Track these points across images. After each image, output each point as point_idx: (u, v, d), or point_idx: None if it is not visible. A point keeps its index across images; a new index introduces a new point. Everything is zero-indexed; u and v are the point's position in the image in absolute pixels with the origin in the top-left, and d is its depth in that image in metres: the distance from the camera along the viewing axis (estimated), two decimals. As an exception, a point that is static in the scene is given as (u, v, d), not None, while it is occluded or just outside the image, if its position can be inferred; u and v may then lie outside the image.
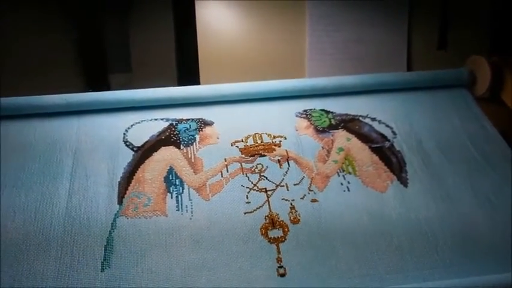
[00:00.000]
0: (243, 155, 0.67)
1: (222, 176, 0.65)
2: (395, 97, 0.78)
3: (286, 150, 0.68)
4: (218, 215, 0.60)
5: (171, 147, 0.68)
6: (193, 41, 0.92)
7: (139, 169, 0.65)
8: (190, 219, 0.60)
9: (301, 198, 0.63)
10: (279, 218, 0.60)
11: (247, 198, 0.62)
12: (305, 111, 0.75)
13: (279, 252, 0.57)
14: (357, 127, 0.73)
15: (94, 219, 0.59)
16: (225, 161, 0.66)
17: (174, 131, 0.70)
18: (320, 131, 0.72)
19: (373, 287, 0.55)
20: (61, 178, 0.63)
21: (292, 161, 0.67)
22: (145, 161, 0.66)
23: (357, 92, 0.78)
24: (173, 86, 0.76)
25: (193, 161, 0.66)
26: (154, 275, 0.54)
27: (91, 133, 0.69)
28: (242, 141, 0.69)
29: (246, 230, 0.59)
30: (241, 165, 0.66)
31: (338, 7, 0.94)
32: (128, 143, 0.68)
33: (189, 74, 0.93)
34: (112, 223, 0.59)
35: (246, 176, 0.65)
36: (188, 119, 0.72)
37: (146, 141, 0.68)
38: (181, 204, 0.61)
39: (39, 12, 0.88)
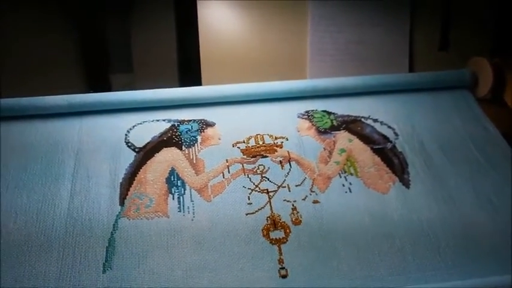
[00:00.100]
0: (245, 156, 0.67)
1: (223, 177, 0.65)
2: (397, 98, 0.78)
3: (287, 151, 0.68)
4: (220, 216, 0.60)
5: (172, 148, 0.68)
6: (195, 41, 0.92)
7: (141, 170, 0.65)
8: (192, 220, 0.60)
9: (302, 200, 0.63)
10: (280, 219, 0.60)
11: (248, 199, 0.62)
12: (307, 112, 0.75)
13: (280, 254, 0.57)
14: (358, 128, 0.73)
15: (96, 221, 0.59)
16: (227, 162, 0.66)
17: (176, 132, 0.70)
18: (322, 132, 0.72)
19: (374, 288, 0.55)
20: (63, 179, 0.63)
21: (293, 162, 0.67)
22: (147, 162, 0.66)
23: (359, 93, 0.78)
24: (175, 86, 0.76)
25: (195, 162, 0.66)
26: (156, 276, 0.54)
27: (93, 134, 0.69)
28: (244, 142, 0.69)
29: (248, 231, 0.59)
30: (243, 166, 0.66)
31: (340, 8, 0.94)
32: (129, 144, 0.68)
33: (190, 74, 0.93)
34: (114, 224, 0.59)
35: (248, 177, 0.65)
36: (190, 120, 0.72)
37: (148, 142, 0.68)
38: (183, 206, 0.61)
39: (40, 12, 0.88)
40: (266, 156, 0.67)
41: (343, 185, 0.65)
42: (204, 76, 0.91)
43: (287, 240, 0.58)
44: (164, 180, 0.64)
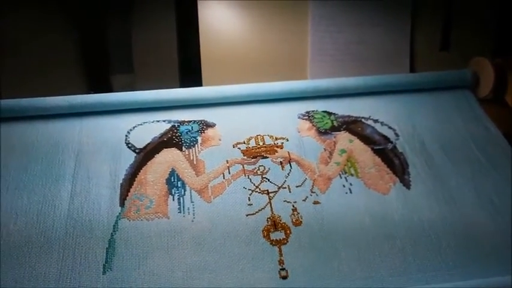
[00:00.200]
0: (245, 157, 0.67)
1: (224, 178, 0.64)
2: (398, 98, 0.78)
3: (288, 152, 0.68)
4: (220, 217, 0.60)
5: (173, 149, 0.68)
6: (196, 42, 0.91)
7: (141, 171, 0.65)
8: (192, 221, 0.60)
9: (303, 200, 0.62)
10: (281, 220, 0.60)
11: (249, 200, 0.62)
12: (307, 112, 0.75)
13: (281, 255, 0.57)
14: (359, 129, 0.73)
15: (96, 222, 0.59)
16: (227, 162, 0.66)
17: (176, 132, 0.70)
18: (322, 132, 0.72)
19: (375, 289, 0.55)
20: (63, 180, 0.63)
21: (294, 162, 0.67)
22: (148, 163, 0.66)
23: (360, 94, 0.78)
24: (175, 86, 0.76)
25: (195, 163, 0.66)
26: (156, 278, 0.54)
27: (93, 135, 0.69)
28: (244, 143, 0.69)
29: (248, 232, 0.59)
30: (243, 167, 0.66)
31: (340, 8, 0.94)
32: (130, 145, 0.68)
33: (191, 74, 0.92)
34: (114, 225, 0.59)
35: (248, 177, 0.65)
36: (190, 121, 0.72)
37: (148, 143, 0.68)
38: (183, 207, 0.61)
39: (40, 12, 0.88)
40: (266, 157, 0.67)
41: (344, 186, 0.65)
42: (204, 76, 0.91)
43: (287, 241, 0.58)
44: (164, 181, 0.64)
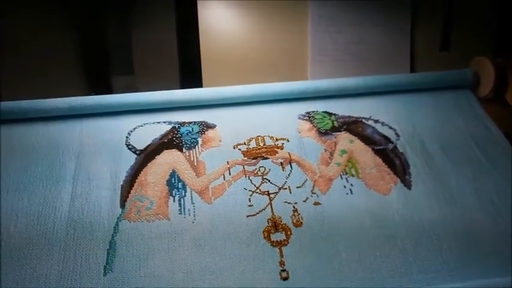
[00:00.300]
0: (246, 158, 0.67)
1: (224, 179, 0.64)
2: (399, 99, 0.77)
3: (288, 153, 0.68)
4: (221, 218, 0.60)
5: (173, 150, 0.68)
6: (196, 42, 0.91)
7: (141, 172, 0.65)
8: (193, 222, 0.60)
9: (303, 201, 0.62)
10: (281, 221, 0.60)
11: (249, 201, 0.62)
12: (308, 113, 0.75)
13: (281, 256, 0.57)
14: (360, 129, 0.73)
15: (97, 223, 0.59)
16: (228, 164, 0.66)
17: (177, 134, 0.70)
18: (323, 133, 0.72)
19: (376, 290, 0.55)
20: (64, 182, 0.63)
21: (294, 163, 0.67)
22: (148, 164, 0.66)
23: (360, 94, 0.78)
24: (176, 87, 0.76)
25: (195, 164, 0.66)
26: (157, 279, 0.54)
27: (93, 136, 0.69)
28: (244, 144, 0.69)
29: (249, 233, 0.59)
30: (244, 168, 0.66)
31: (340, 8, 0.94)
32: (130, 146, 0.68)
33: (191, 74, 0.92)
34: (114, 227, 0.59)
35: (249, 178, 0.65)
36: (190, 122, 0.72)
37: (149, 145, 0.68)
38: (184, 208, 0.61)
39: (40, 12, 0.88)
40: (267, 158, 0.67)
41: (345, 187, 0.65)
42: (205, 77, 0.91)
43: (288, 242, 0.58)
44: (165, 182, 0.64)
